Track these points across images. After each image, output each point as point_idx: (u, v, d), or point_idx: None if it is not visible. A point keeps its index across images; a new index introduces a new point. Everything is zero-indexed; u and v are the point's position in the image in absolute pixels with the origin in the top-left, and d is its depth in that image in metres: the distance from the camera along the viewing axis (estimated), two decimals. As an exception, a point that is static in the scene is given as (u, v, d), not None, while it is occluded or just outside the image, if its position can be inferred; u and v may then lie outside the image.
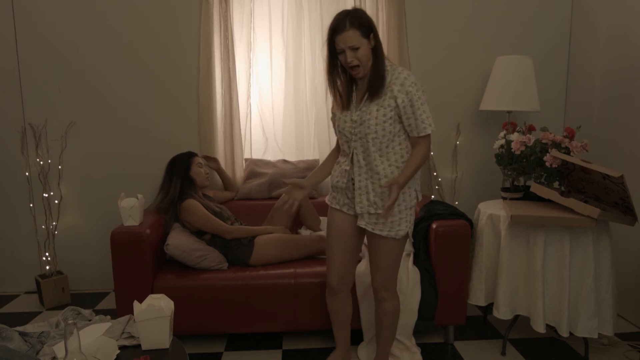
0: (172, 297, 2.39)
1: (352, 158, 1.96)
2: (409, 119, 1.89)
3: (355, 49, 1.81)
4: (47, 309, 3.06)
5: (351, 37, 1.79)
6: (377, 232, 1.95)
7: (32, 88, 3.15)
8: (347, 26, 1.79)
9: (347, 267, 2.12)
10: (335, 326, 2.25)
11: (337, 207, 2.07)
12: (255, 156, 3.24)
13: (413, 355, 2.35)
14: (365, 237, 2.10)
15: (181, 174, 2.71)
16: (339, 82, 1.95)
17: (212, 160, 3.01)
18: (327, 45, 1.89)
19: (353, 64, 1.84)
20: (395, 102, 1.86)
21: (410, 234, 2.02)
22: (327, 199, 2.15)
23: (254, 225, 2.84)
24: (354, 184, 1.98)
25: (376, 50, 1.87)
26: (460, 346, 2.53)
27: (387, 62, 1.91)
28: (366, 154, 1.93)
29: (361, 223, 1.99)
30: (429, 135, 1.92)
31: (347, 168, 1.98)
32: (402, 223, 1.96)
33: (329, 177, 2.13)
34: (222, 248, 2.59)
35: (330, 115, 2.09)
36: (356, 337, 2.59)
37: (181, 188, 2.67)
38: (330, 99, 2.17)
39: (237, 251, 2.57)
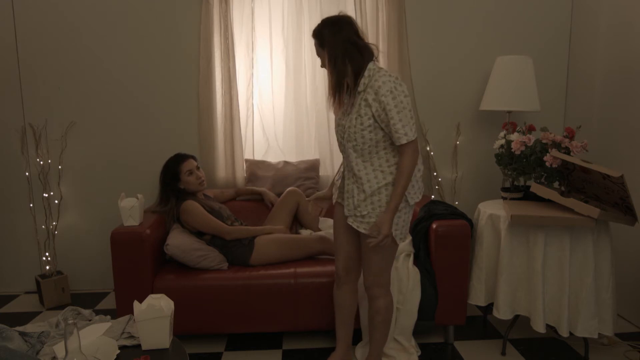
0: (172, 297, 2.39)
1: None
2: (387, 128, 1.85)
3: (319, 55, 1.95)
4: (47, 309, 3.06)
5: (315, 45, 1.95)
6: (368, 233, 1.97)
7: (32, 88, 3.15)
8: (313, 34, 1.94)
9: (352, 259, 2.15)
10: (338, 322, 2.25)
11: (340, 200, 2.13)
12: (257, 157, 3.24)
13: (410, 356, 2.35)
14: None
15: (172, 189, 2.67)
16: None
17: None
18: None
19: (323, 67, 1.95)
20: (371, 110, 1.85)
21: (408, 233, 2.06)
22: (334, 193, 2.21)
23: (254, 225, 2.84)
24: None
25: (328, 60, 1.90)
26: (460, 346, 2.53)
27: (370, 66, 1.88)
28: (349, 160, 1.96)
29: (349, 220, 2.00)
30: (411, 142, 1.82)
31: (342, 169, 2.08)
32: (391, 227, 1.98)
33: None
34: (222, 248, 2.59)
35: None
36: (356, 336, 2.60)
37: (178, 196, 2.67)
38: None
39: (237, 251, 2.57)
